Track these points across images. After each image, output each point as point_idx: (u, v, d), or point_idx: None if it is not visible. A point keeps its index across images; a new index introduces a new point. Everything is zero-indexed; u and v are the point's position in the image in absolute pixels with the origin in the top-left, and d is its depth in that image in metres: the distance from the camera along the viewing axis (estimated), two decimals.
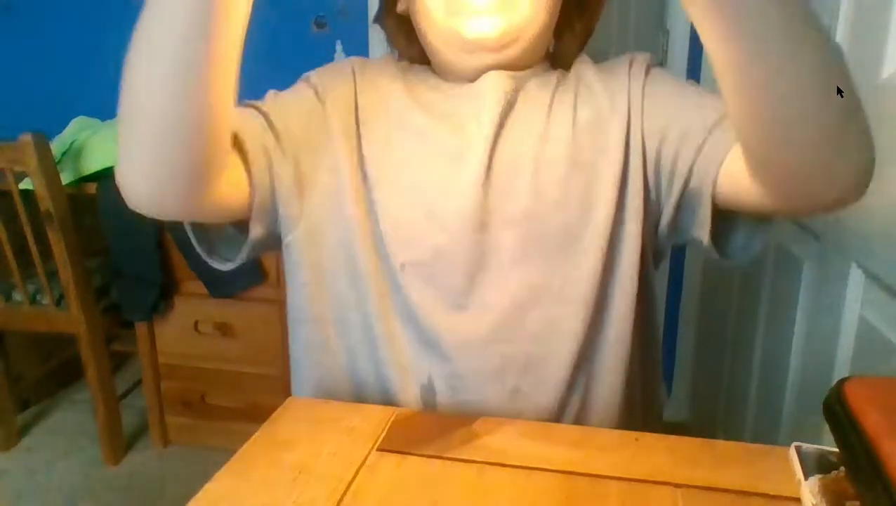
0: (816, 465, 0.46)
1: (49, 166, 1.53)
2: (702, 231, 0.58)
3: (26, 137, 1.48)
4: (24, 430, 1.94)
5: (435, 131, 0.63)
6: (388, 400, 0.63)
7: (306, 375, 0.68)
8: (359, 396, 0.65)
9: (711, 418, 1.56)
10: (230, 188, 0.56)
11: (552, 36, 0.66)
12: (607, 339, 0.62)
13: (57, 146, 1.68)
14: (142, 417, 1.89)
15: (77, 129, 1.83)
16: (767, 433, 1.11)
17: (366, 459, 0.50)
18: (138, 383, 1.88)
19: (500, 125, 0.61)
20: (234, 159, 0.56)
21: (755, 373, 1.20)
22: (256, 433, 0.54)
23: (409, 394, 0.62)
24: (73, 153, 1.71)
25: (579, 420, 0.63)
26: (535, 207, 0.60)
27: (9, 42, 2.23)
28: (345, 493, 0.46)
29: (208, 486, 0.47)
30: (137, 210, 0.52)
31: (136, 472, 1.76)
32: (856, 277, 0.81)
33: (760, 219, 0.58)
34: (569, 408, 0.62)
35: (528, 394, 0.61)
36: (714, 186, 0.55)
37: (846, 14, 0.86)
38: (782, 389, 1.03)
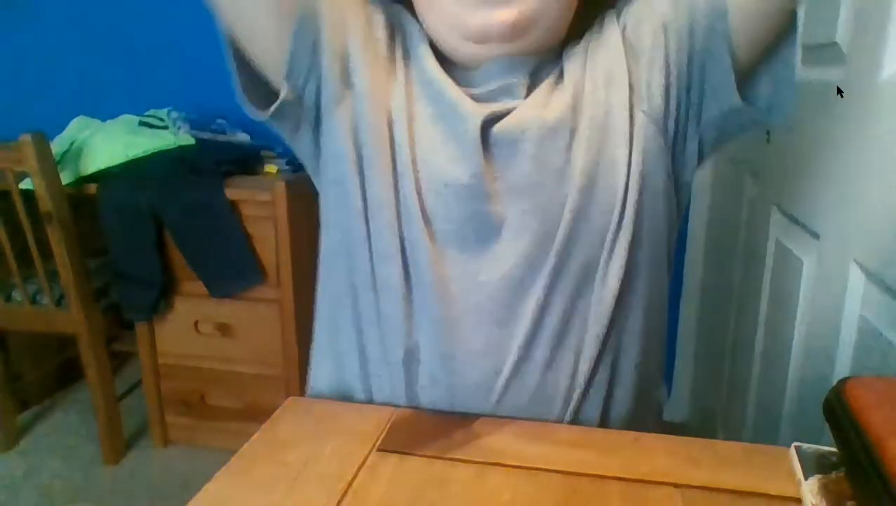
0: (816, 465, 0.46)
1: (49, 166, 1.54)
2: (727, 91, 0.57)
3: (26, 137, 1.48)
4: (24, 430, 1.94)
5: (445, 111, 0.60)
6: (375, 359, 0.62)
7: (325, 316, 0.67)
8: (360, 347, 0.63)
9: (711, 418, 1.56)
10: None
11: (569, 21, 0.63)
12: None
13: (57, 146, 1.68)
14: (142, 417, 1.89)
15: (77, 129, 1.83)
16: (767, 433, 1.11)
17: (366, 459, 0.50)
18: (138, 383, 1.88)
19: (506, 109, 0.59)
20: None
21: (755, 373, 1.20)
22: (256, 433, 0.54)
23: (395, 355, 0.60)
24: (73, 153, 1.71)
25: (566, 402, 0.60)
26: (538, 176, 0.58)
27: (9, 42, 2.23)
28: (345, 493, 0.46)
29: (208, 486, 0.47)
30: None
31: (136, 472, 1.76)
32: (856, 277, 0.81)
33: (783, 75, 0.58)
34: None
35: (511, 377, 0.58)
36: (732, 39, 0.55)
37: (846, 14, 0.86)
38: (782, 389, 1.03)
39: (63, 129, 1.86)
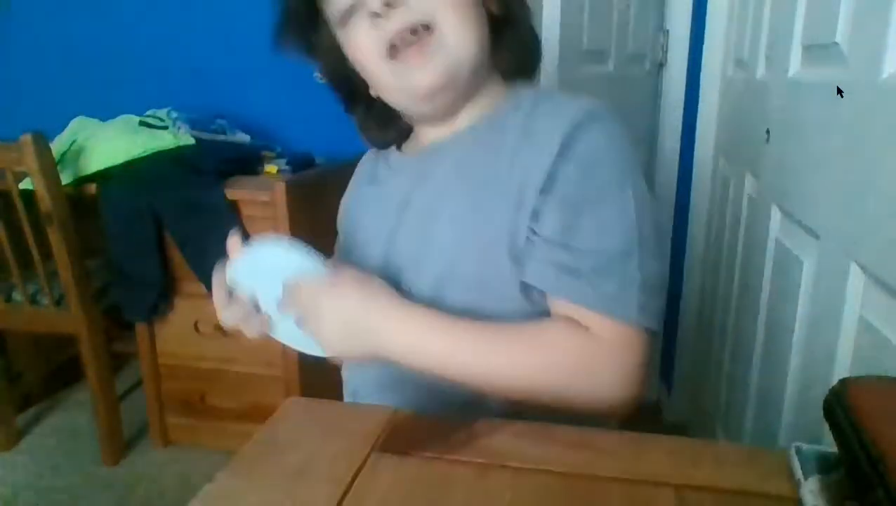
0: (816, 465, 0.46)
1: (49, 166, 1.54)
2: None
3: (26, 137, 1.48)
4: (24, 430, 1.94)
5: (375, 216, 0.72)
6: None
7: None
8: None
9: (711, 418, 1.56)
10: None
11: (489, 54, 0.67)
12: None
13: (57, 146, 1.68)
14: (142, 417, 1.89)
15: (77, 129, 1.83)
16: (767, 433, 1.11)
17: (366, 460, 0.50)
18: (138, 383, 1.88)
19: (412, 193, 0.68)
20: None
21: (755, 373, 1.20)
22: (256, 434, 0.54)
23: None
24: (73, 153, 1.71)
25: None
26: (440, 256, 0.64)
27: (9, 42, 2.23)
28: (345, 494, 0.46)
29: (208, 486, 0.47)
30: None
31: (136, 472, 1.76)
32: (856, 277, 0.81)
33: None
34: None
35: None
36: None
37: (846, 14, 0.86)
38: (782, 389, 1.03)
39: (63, 129, 1.85)
